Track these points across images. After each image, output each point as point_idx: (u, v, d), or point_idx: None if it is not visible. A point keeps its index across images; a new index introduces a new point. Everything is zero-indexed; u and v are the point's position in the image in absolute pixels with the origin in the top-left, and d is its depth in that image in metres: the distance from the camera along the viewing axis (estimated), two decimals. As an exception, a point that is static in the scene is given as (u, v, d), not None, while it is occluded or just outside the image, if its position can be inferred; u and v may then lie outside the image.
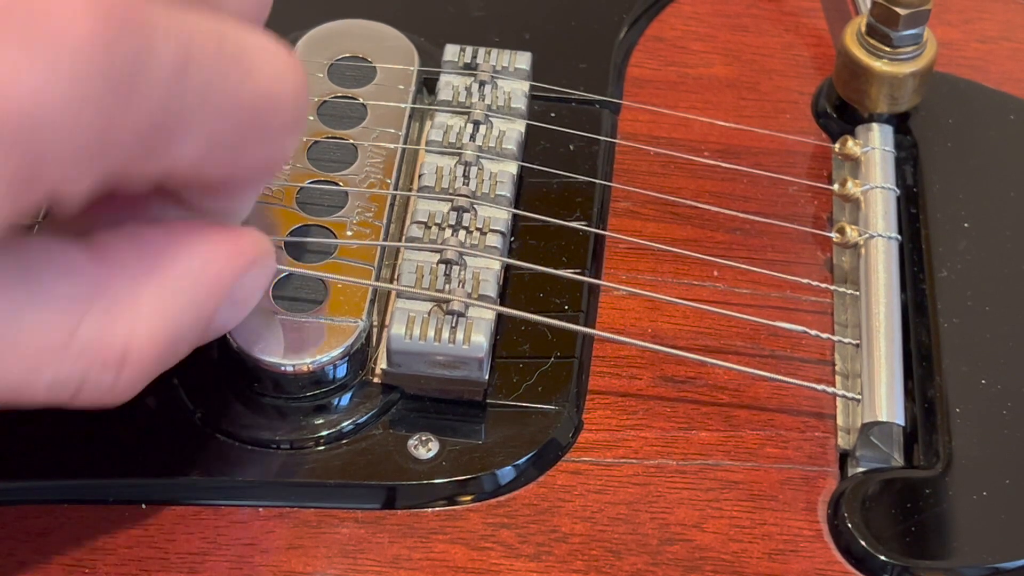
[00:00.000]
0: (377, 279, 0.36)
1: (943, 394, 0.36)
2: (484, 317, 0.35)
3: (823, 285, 0.38)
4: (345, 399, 0.35)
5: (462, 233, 0.36)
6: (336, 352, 0.34)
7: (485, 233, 0.37)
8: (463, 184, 0.38)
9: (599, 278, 0.38)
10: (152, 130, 0.26)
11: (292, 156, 0.38)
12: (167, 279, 0.29)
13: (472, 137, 0.39)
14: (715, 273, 0.38)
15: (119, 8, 0.25)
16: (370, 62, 0.41)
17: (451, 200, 0.37)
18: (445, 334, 0.34)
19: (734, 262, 0.38)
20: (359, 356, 0.35)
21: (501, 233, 0.37)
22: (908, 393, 0.36)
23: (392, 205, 0.38)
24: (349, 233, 0.36)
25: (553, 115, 0.41)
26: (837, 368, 0.37)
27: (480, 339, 0.34)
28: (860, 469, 0.35)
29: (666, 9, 0.45)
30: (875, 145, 0.41)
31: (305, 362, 0.34)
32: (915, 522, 0.34)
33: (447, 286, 0.35)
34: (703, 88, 0.43)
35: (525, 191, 0.39)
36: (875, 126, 0.41)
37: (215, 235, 0.30)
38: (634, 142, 0.41)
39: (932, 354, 0.37)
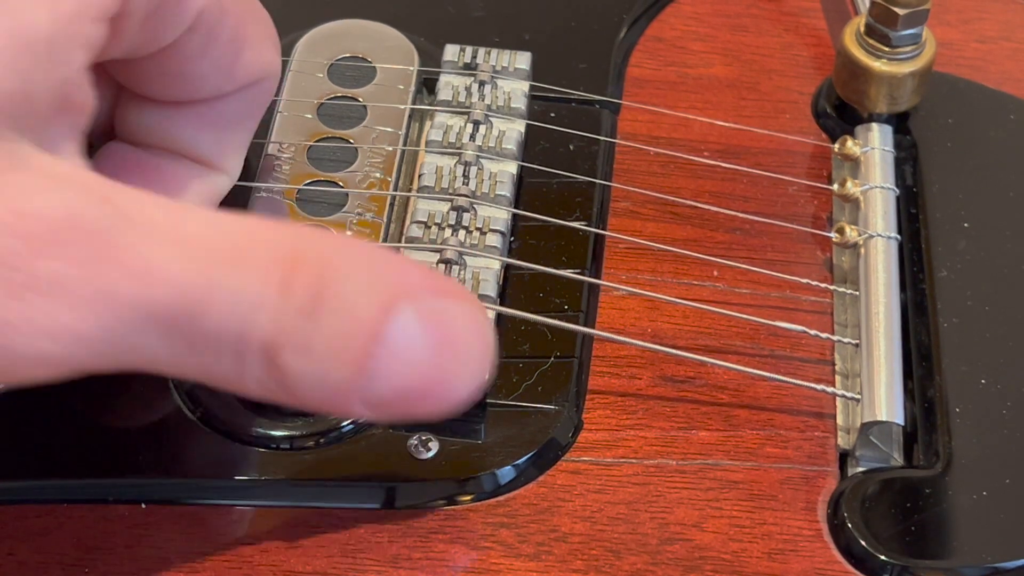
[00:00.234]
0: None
1: (943, 394, 0.36)
2: (484, 317, 0.35)
3: (823, 285, 0.38)
4: (345, 399, 0.35)
5: (462, 233, 0.36)
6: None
7: (485, 233, 0.37)
8: (463, 184, 0.38)
9: (599, 278, 0.38)
10: None
11: (292, 157, 0.38)
12: None
13: (472, 137, 0.39)
14: (715, 273, 0.39)
15: None
16: (370, 62, 0.41)
17: (451, 200, 0.37)
18: (445, 334, 0.34)
19: (734, 262, 0.38)
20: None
21: (501, 233, 0.37)
22: (908, 393, 0.36)
23: (392, 205, 0.38)
24: (349, 233, 0.37)
25: (553, 115, 0.41)
26: (837, 368, 0.37)
27: (480, 339, 0.34)
28: (860, 469, 0.35)
29: (666, 9, 0.45)
30: (874, 145, 0.41)
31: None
32: (915, 522, 0.34)
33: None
34: (703, 88, 0.43)
35: (525, 191, 0.39)
36: (874, 126, 0.41)
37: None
38: (634, 142, 0.41)
39: (932, 354, 0.37)
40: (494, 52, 0.41)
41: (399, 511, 0.33)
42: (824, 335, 0.37)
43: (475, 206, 0.37)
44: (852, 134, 0.41)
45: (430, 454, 0.34)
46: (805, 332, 0.37)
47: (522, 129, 0.39)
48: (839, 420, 0.36)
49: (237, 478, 0.34)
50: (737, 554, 0.33)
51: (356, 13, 0.42)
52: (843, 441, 0.36)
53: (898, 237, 0.39)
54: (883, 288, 0.37)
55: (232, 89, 0.33)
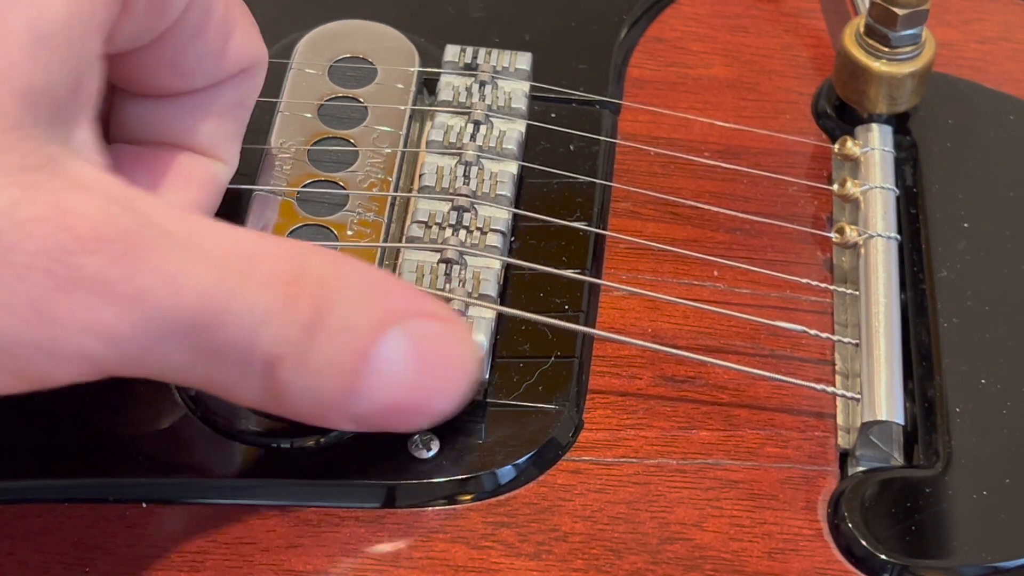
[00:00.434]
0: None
1: (943, 394, 0.36)
2: (484, 316, 0.35)
3: (823, 285, 0.38)
4: (345, 398, 0.35)
5: (462, 233, 0.37)
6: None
7: (485, 233, 0.37)
8: (463, 184, 0.38)
9: (599, 278, 0.38)
10: None
11: (293, 157, 0.38)
12: None
13: (472, 137, 0.39)
14: (715, 273, 0.39)
15: None
16: (371, 63, 0.41)
17: (451, 200, 0.37)
18: (445, 333, 0.34)
19: (734, 262, 0.38)
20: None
21: (501, 233, 0.37)
22: (908, 393, 0.36)
23: (393, 205, 0.38)
24: (350, 233, 0.37)
25: (553, 115, 0.41)
26: (837, 368, 0.37)
27: (480, 338, 0.34)
28: (860, 468, 0.35)
29: (666, 10, 0.45)
30: (874, 145, 0.41)
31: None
32: (915, 521, 0.34)
33: (447, 285, 0.35)
34: (703, 89, 0.43)
35: (525, 191, 0.39)
36: (874, 126, 0.41)
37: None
38: (634, 142, 0.41)
39: (932, 354, 0.37)
40: (494, 52, 0.41)
41: (400, 510, 0.33)
42: (824, 335, 0.37)
43: (476, 206, 0.37)
44: (852, 134, 0.42)
45: (431, 453, 0.34)
46: (805, 332, 0.37)
47: (522, 129, 0.40)
48: (839, 420, 0.36)
49: (237, 477, 0.34)
50: (737, 553, 0.33)
51: (357, 14, 0.42)
52: (843, 441, 0.36)
53: (898, 237, 0.39)
54: (883, 288, 0.37)
55: (224, 76, 0.34)
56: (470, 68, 0.41)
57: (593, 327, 0.37)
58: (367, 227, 0.37)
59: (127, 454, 0.34)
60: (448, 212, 0.37)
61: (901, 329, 0.37)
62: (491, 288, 0.35)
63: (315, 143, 0.39)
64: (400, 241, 0.37)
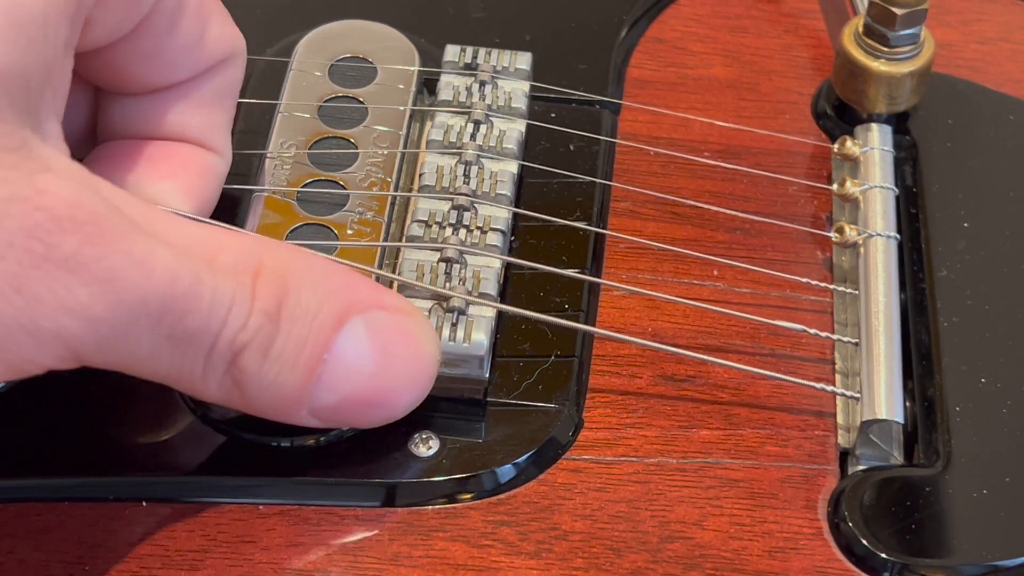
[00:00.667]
0: (377, 278, 0.36)
1: (943, 393, 0.36)
2: (484, 315, 0.35)
3: (823, 284, 0.38)
4: (346, 397, 0.35)
5: (462, 232, 0.37)
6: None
7: (485, 232, 0.37)
8: (464, 183, 0.38)
9: (599, 277, 0.38)
10: None
11: (293, 157, 0.38)
12: None
13: (472, 137, 0.39)
14: (715, 272, 0.39)
15: None
16: (371, 62, 0.41)
17: (451, 199, 0.37)
18: (446, 332, 0.34)
19: (734, 261, 0.38)
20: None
21: (501, 232, 0.37)
22: (908, 392, 0.36)
23: (393, 204, 0.38)
24: (350, 232, 0.37)
25: (553, 115, 0.41)
26: (837, 367, 0.37)
27: (480, 337, 0.34)
28: (860, 467, 0.35)
29: (666, 10, 0.45)
30: (874, 145, 0.41)
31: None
32: (915, 520, 0.34)
33: (447, 284, 0.35)
34: (703, 89, 0.43)
35: (525, 191, 0.39)
36: (874, 126, 0.41)
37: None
38: (634, 142, 0.41)
39: (932, 353, 0.37)
40: (495, 52, 0.41)
41: (399, 509, 0.33)
42: (824, 334, 0.37)
43: (476, 205, 0.37)
44: (851, 134, 0.42)
45: (430, 452, 0.34)
46: (805, 331, 0.37)
47: (523, 129, 0.40)
48: (839, 419, 0.36)
49: (237, 476, 0.34)
50: (737, 552, 0.33)
51: (357, 14, 0.42)
52: (843, 440, 0.36)
53: (898, 237, 0.39)
54: (883, 287, 0.37)
55: (204, 66, 0.34)
56: (470, 68, 0.41)
57: (593, 326, 0.37)
58: (367, 226, 0.37)
59: (127, 453, 0.34)
60: (448, 211, 0.37)
61: (901, 328, 0.37)
62: (491, 287, 0.35)
63: (315, 143, 0.39)
64: (400, 240, 0.37)
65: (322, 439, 0.34)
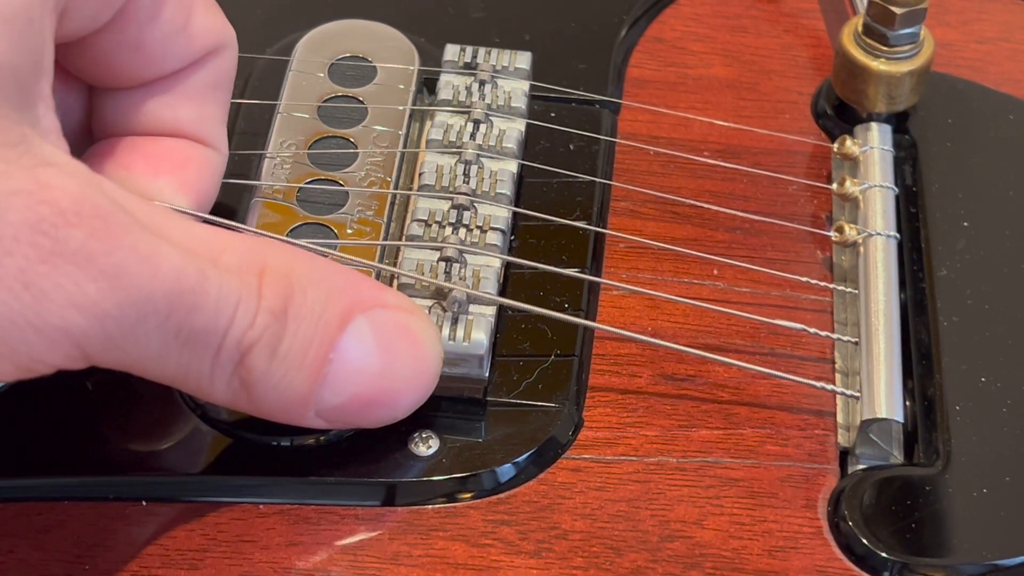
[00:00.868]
0: (377, 277, 0.36)
1: (943, 392, 0.36)
2: (484, 314, 0.35)
3: (823, 283, 0.38)
4: (345, 396, 0.35)
5: (462, 231, 0.37)
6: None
7: (485, 231, 0.37)
8: (463, 182, 0.38)
9: (599, 277, 0.38)
10: None
11: (293, 156, 0.38)
12: None
13: (472, 136, 0.39)
14: (715, 272, 0.39)
15: None
16: (370, 62, 0.41)
17: (451, 198, 0.37)
18: (445, 331, 0.34)
19: (734, 261, 0.38)
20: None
21: (501, 231, 0.37)
22: (908, 391, 0.36)
23: (393, 203, 0.38)
24: (350, 232, 0.37)
25: (553, 114, 0.41)
26: (837, 366, 0.37)
27: (480, 336, 0.34)
28: (860, 467, 0.35)
29: (666, 10, 0.45)
30: (874, 144, 0.41)
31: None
32: (915, 519, 0.34)
33: (447, 283, 0.35)
34: (703, 88, 0.43)
35: (525, 190, 0.39)
36: (874, 125, 0.41)
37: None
38: (634, 142, 0.41)
39: (932, 352, 0.37)
40: (494, 52, 0.41)
41: (399, 508, 0.33)
42: (824, 333, 0.37)
43: (475, 204, 0.37)
44: (851, 134, 0.42)
45: (430, 451, 0.34)
46: (805, 330, 0.37)
47: (522, 128, 0.40)
48: (839, 418, 0.36)
49: (237, 475, 0.34)
50: (737, 551, 0.33)
51: (356, 13, 0.42)
52: (843, 439, 0.36)
53: (897, 236, 0.39)
54: (883, 286, 0.37)
55: (192, 57, 0.34)
56: (470, 67, 0.41)
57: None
58: (367, 226, 0.37)
59: (127, 453, 0.34)
60: (448, 210, 0.37)
61: (901, 327, 0.37)
62: (491, 286, 0.35)
63: (315, 142, 0.39)
64: (400, 240, 0.37)
65: (322, 438, 0.34)
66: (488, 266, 0.36)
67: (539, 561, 0.33)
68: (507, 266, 0.37)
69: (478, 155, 0.38)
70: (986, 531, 0.34)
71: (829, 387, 0.36)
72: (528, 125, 0.40)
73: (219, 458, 0.34)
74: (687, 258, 0.38)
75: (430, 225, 0.37)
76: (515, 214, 0.38)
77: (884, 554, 0.33)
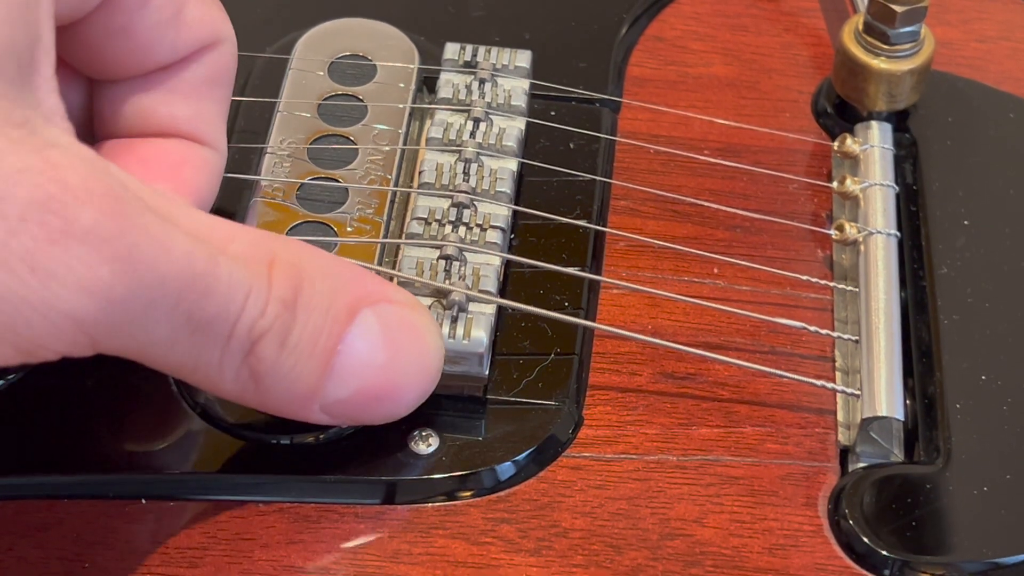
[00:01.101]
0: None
1: (943, 390, 0.36)
2: (484, 312, 0.35)
3: (823, 282, 0.38)
4: (345, 395, 0.35)
5: (462, 229, 0.36)
6: (336, 348, 0.34)
7: (485, 229, 0.37)
8: (463, 181, 0.38)
9: (599, 275, 0.38)
10: None
11: (293, 154, 0.38)
12: None
13: (472, 134, 0.39)
14: (715, 270, 0.39)
15: None
16: (370, 60, 0.41)
17: (451, 196, 0.37)
18: (445, 329, 0.34)
19: (734, 259, 0.38)
20: (359, 352, 0.35)
21: (501, 229, 0.37)
22: (908, 390, 0.36)
23: (392, 202, 0.38)
24: (349, 230, 0.37)
25: (553, 113, 0.41)
26: (837, 364, 0.37)
27: (480, 334, 0.34)
28: (860, 465, 0.35)
29: (666, 9, 0.45)
30: (874, 143, 0.41)
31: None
32: (915, 517, 0.34)
33: (447, 281, 0.35)
34: (703, 87, 0.43)
35: (525, 188, 0.39)
36: (874, 124, 0.41)
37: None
38: (634, 140, 0.41)
39: (932, 350, 0.37)
40: (494, 50, 0.41)
41: (399, 507, 0.33)
42: (824, 331, 0.37)
43: (475, 203, 0.37)
44: (852, 132, 0.42)
45: (430, 450, 0.34)
46: (805, 328, 0.37)
47: (522, 127, 0.40)
48: (839, 416, 0.36)
49: (237, 474, 0.34)
50: (738, 549, 0.33)
51: (356, 12, 0.42)
52: (844, 437, 0.36)
53: (898, 234, 0.39)
54: (883, 285, 0.37)
55: (186, 49, 0.33)
56: (470, 66, 0.41)
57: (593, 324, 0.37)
58: (367, 224, 0.37)
59: (127, 451, 0.34)
60: (448, 209, 0.37)
61: (901, 326, 0.37)
62: (491, 284, 0.35)
63: (315, 141, 0.39)
64: (400, 238, 0.37)
65: (321, 436, 0.34)
66: (488, 264, 0.36)
67: (539, 559, 0.33)
68: (507, 264, 0.37)
69: (478, 153, 0.38)
70: (986, 529, 0.34)
71: (829, 385, 0.36)
72: (528, 123, 0.40)
73: (219, 456, 0.34)
74: (687, 256, 0.38)
75: (430, 223, 0.37)
76: (515, 212, 0.38)
77: (884, 552, 0.33)
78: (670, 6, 0.45)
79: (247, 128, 0.40)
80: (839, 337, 0.37)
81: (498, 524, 0.33)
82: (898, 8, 0.40)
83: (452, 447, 0.34)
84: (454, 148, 0.38)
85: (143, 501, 0.33)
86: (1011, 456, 0.35)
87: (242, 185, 0.38)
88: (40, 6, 0.27)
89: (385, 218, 0.37)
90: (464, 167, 0.38)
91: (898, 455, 0.35)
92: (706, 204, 0.40)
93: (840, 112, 0.42)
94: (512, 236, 0.38)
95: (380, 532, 0.33)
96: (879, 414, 0.35)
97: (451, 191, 0.37)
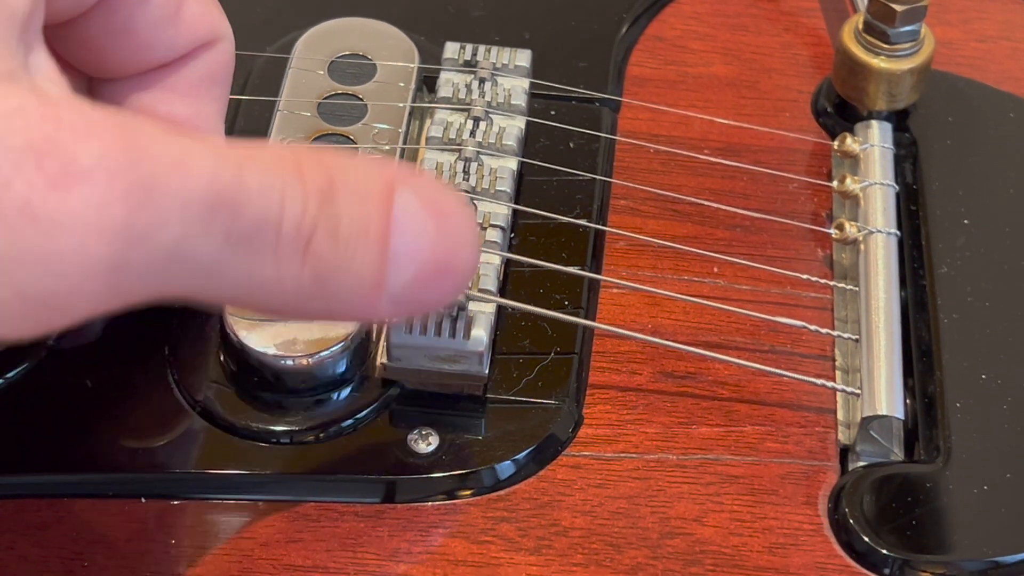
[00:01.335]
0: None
1: (943, 389, 0.36)
2: (484, 311, 0.35)
3: (823, 281, 0.38)
4: (345, 393, 0.35)
5: (462, 228, 0.36)
6: (336, 347, 0.34)
7: (485, 228, 0.37)
8: (463, 179, 0.38)
9: (599, 274, 0.38)
10: None
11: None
12: None
13: (472, 133, 0.39)
14: (715, 269, 0.39)
15: None
16: (370, 60, 0.41)
17: (451, 196, 0.37)
18: (445, 328, 0.34)
19: (734, 258, 0.38)
20: (359, 351, 0.35)
21: (501, 228, 0.37)
22: (909, 388, 0.36)
23: (392, 201, 0.38)
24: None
25: (553, 112, 0.41)
26: (837, 363, 0.37)
27: (480, 333, 0.34)
28: (861, 463, 0.35)
29: (666, 8, 0.45)
30: (874, 142, 0.41)
31: (305, 356, 0.34)
32: (915, 516, 0.34)
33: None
34: (703, 87, 0.43)
35: (525, 187, 0.39)
36: (874, 123, 0.41)
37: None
38: (634, 139, 0.41)
39: (932, 349, 0.37)
40: (494, 49, 0.41)
41: (399, 505, 0.33)
42: (824, 331, 0.37)
43: (475, 201, 0.37)
44: (852, 132, 0.42)
45: (430, 449, 0.34)
46: (805, 328, 0.37)
47: (522, 126, 0.40)
48: (839, 415, 0.36)
49: (236, 473, 0.34)
50: (738, 548, 0.33)
51: (356, 11, 0.42)
52: (844, 436, 0.36)
53: (898, 233, 0.39)
54: (883, 284, 0.37)
55: (185, 47, 0.33)
56: (470, 65, 0.41)
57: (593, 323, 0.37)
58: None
59: (126, 450, 0.34)
60: (448, 208, 0.37)
61: (901, 325, 0.37)
62: (490, 283, 0.35)
63: (315, 140, 0.39)
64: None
65: (321, 435, 0.34)
66: (488, 263, 0.36)
67: (539, 558, 0.33)
68: (507, 263, 0.37)
69: (478, 152, 0.38)
70: (987, 528, 0.34)
71: (829, 384, 0.36)
72: (528, 123, 0.40)
73: (218, 455, 0.34)
74: (687, 256, 0.38)
75: (430, 222, 0.37)
76: (515, 211, 0.38)
77: (885, 551, 0.33)
78: (670, 6, 0.45)
79: (247, 127, 0.40)
80: (839, 336, 0.37)
81: (498, 523, 0.33)
82: (898, 7, 0.40)
83: (452, 446, 0.34)
84: (454, 147, 0.39)
85: (143, 500, 0.33)
86: (1011, 455, 0.35)
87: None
88: None
89: (385, 217, 0.37)
90: (464, 166, 0.38)
91: (898, 454, 0.35)
92: (706, 203, 0.40)
93: (840, 111, 0.42)
94: (512, 235, 0.38)
95: (380, 531, 0.33)
96: (879, 413, 0.35)
97: (451, 190, 0.37)
